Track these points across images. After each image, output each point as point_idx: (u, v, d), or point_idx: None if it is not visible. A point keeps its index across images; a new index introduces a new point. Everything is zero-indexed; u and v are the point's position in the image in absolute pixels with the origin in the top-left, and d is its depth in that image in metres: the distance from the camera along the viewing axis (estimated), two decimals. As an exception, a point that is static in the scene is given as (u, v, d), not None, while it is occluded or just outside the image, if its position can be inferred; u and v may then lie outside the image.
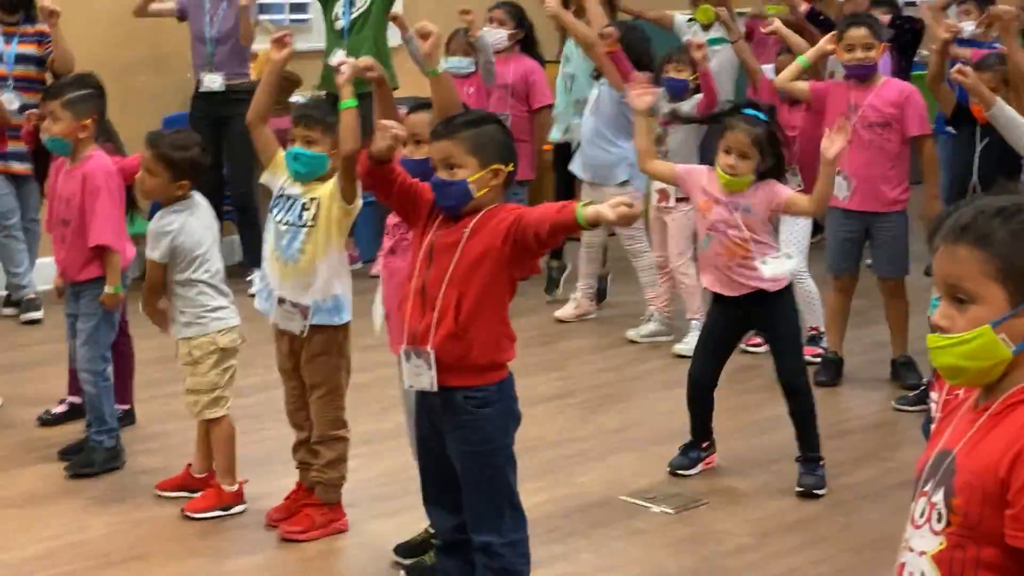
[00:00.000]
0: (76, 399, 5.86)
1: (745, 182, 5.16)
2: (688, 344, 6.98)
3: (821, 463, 5.29)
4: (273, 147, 4.78)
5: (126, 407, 5.84)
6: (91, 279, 5.32)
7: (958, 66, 5.36)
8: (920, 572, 2.25)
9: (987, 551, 2.19)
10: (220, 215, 5.34)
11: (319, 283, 4.68)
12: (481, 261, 3.71)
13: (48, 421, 5.90)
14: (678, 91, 6.98)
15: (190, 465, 5.16)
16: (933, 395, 2.60)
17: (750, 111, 5.25)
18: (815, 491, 5.20)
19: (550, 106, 8.26)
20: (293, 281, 4.68)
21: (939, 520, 2.23)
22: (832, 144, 5.03)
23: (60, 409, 5.91)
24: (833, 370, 6.62)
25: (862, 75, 6.28)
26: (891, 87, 6.36)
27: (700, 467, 5.45)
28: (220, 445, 5.05)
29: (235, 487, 5.03)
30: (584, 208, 3.53)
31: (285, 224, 4.69)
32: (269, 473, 5.26)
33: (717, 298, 5.35)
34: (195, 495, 5.06)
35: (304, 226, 4.66)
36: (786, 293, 5.28)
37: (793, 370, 5.31)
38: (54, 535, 4.83)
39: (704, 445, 5.48)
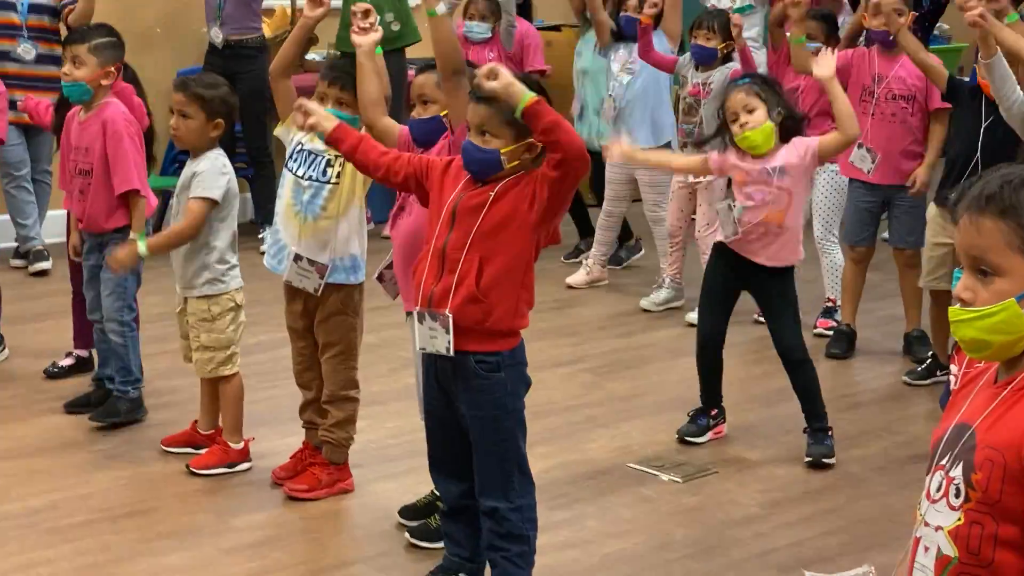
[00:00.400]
0: (83, 352, 5.84)
1: (766, 132, 5.08)
2: (699, 313, 6.94)
3: (829, 433, 5.25)
4: (293, 101, 4.71)
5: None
6: (118, 228, 5.27)
7: (979, 9, 5.25)
8: (936, 547, 2.21)
9: (1006, 528, 2.14)
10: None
11: (338, 241, 4.62)
12: (506, 225, 3.66)
13: (54, 374, 5.88)
14: (707, 59, 6.89)
15: (196, 422, 5.13)
16: (953, 368, 2.55)
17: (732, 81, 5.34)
18: (824, 460, 5.16)
19: (543, 71, 8.19)
20: (311, 238, 4.62)
21: (957, 495, 2.18)
22: (823, 62, 5.03)
23: (67, 362, 5.88)
24: (845, 342, 6.57)
25: (889, 42, 6.19)
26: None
27: (709, 435, 5.41)
28: (230, 402, 5.02)
29: (241, 445, 5.00)
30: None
31: (308, 179, 4.62)
32: (275, 432, 5.23)
33: (719, 252, 5.31)
34: (201, 451, 5.04)
35: (328, 182, 4.60)
36: (786, 272, 5.24)
37: (791, 342, 5.27)
38: (58, 487, 4.81)
39: (713, 413, 5.44)
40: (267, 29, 8.36)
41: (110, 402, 5.40)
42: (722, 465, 5.18)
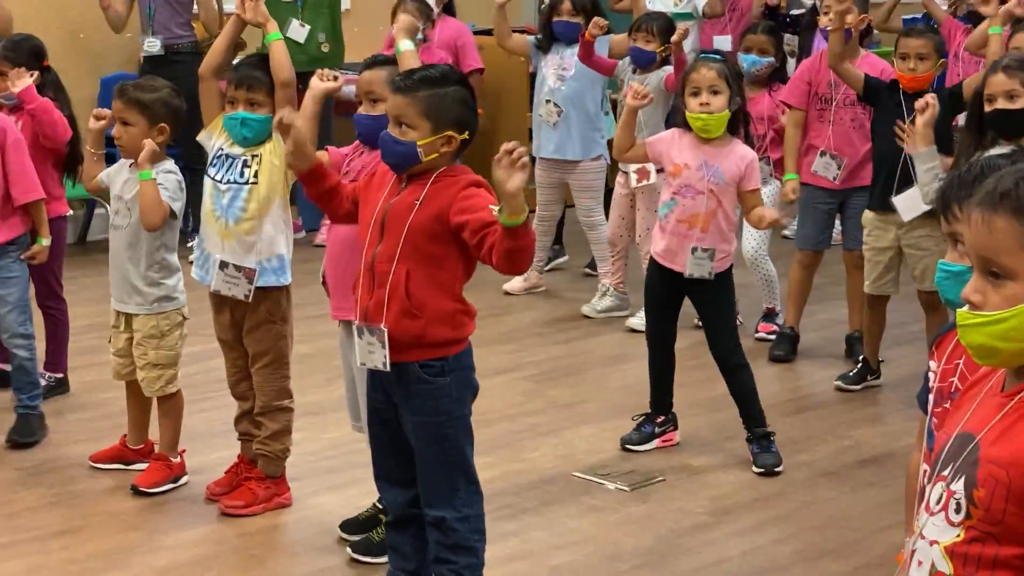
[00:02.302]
0: (5, 366, 5.63)
1: (721, 120, 5.00)
2: (642, 319, 6.85)
3: (772, 438, 5.16)
4: (218, 106, 4.57)
5: (59, 375, 5.64)
6: (12, 239, 5.08)
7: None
8: (931, 562, 2.07)
9: (1008, 549, 2.00)
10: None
11: (263, 242, 4.48)
12: (431, 236, 3.54)
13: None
14: (646, 63, 6.79)
15: (125, 436, 4.96)
16: (932, 364, 2.45)
17: (705, 54, 5.20)
18: (775, 470, 5.07)
19: (481, 70, 8.09)
20: (236, 241, 4.48)
21: (957, 511, 2.05)
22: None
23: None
24: (788, 345, 6.51)
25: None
26: (868, 63, 6.26)
27: (656, 443, 5.29)
28: (173, 418, 4.86)
29: (179, 458, 4.84)
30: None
31: (226, 183, 4.49)
32: (208, 446, 5.08)
33: (654, 263, 5.22)
34: (131, 468, 4.87)
35: (247, 183, 4.47)
36: (726, 273, 5.15)
37: (728, 347, 5.19)
38: (-18, 507, 4.62)
39: (659, 420, 5.33)
40: (198, 32, 8.20)
41: (23, 420, 5.18)
42: (669, 473, 5.07)
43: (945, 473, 2.09)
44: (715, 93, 4.98)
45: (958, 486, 2.05)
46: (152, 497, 4.71)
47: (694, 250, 5.05)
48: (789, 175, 6.37)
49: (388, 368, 3.58)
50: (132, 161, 4.69)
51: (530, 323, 7.07)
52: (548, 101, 7.26)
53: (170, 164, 4.70)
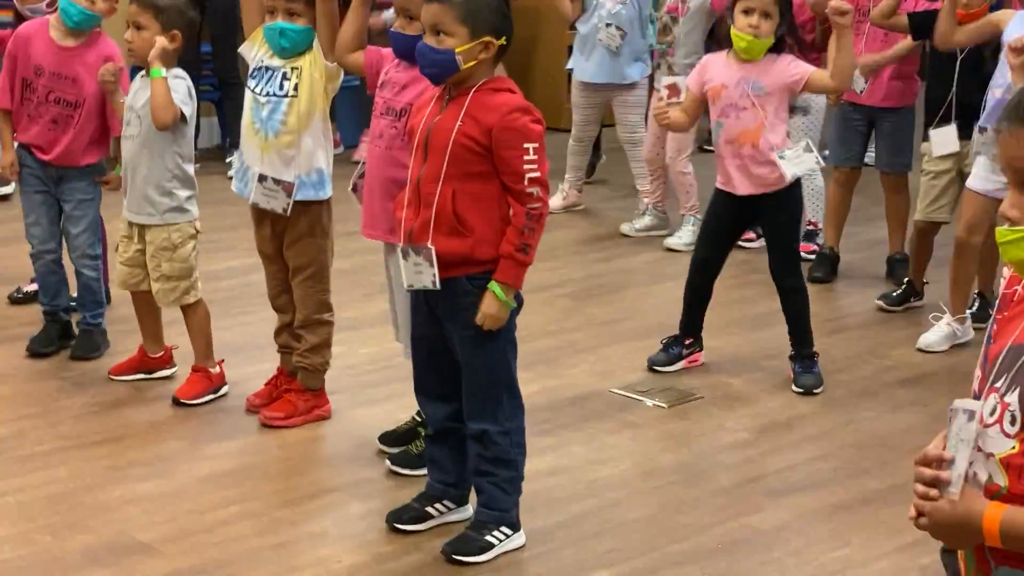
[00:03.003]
0: (32, 286, 5.65)
1: (764, 46, 4.92)
2: (681, 238, 6.85)
3: (816, 359, 5.14)
4: (259, 16, 4.53)
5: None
6: (91, 163, 5.10)
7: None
8: (987, 474, 2.05)
9: None
10: (197, 95, 5.06)
11: (302, 156, 4.46)
12: (474, 155, 3.52)
13: (19, 299, 5.71)
14: None
15: (142, 346, 4.99)
16: (1004, 269, 2.40)
17: None
18: (814, 391, 5.05)
19: None
20: (275, 155, 4.46)
21: (1012, 423, 2.02)
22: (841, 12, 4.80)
23: (31, 287, 5.70)
24: (828, 266, 6.48)
25: None
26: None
27: (682, 364, 5.28)
28: (200, 328, 4.88)
29: (217, 369, 4.87)
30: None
31: (265, 96, 4.45)
32: (248, 359, 5.10)
33: (718, 190, 5.16)
34: (154, 376, 4.94)
35: (286, 96, 4.43)
36: (794, 187, 5.07)
37: (788, 266, 5.15)
38: (26, 415, 4.65)
39: (688, 342, 5.31)
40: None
41: (86, 336, 5.22)
42: (707, 391, 5.07)
43: (998, 385, 2.06)
44: (766, 16, 4.90)
45: (1012, 398, 2.03)
46: (192, 407, 4.74)
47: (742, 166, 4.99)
48: None
49: (438, 287, 3.58)
50: (143, 72, 4.68)
51: (570, 241, 7.05)
52: (609, 25, 7.14)
53: (179, 71, 4.69)
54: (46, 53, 5.00)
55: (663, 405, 4.91)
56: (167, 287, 4.79)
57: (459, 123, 3.52)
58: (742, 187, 5.01)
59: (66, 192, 5.10)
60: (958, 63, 5.65)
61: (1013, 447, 2.02)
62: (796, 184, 5.06)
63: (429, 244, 3.54)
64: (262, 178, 4.47)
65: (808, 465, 4.46)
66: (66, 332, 5.28)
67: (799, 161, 4.97)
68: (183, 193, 4.76)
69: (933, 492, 2.01)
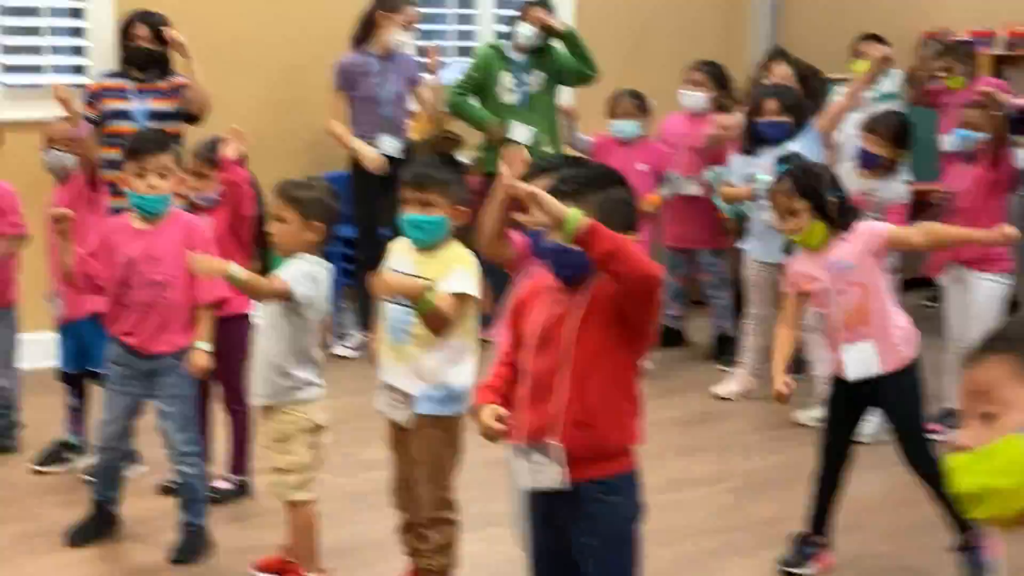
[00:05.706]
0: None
1: (817, 233, 4.67)
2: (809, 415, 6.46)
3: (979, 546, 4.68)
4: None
5: (242, 478, 5.51)
6: (179, 349, 4.84)
7: None
8: None
9: None
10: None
11: (427, 370, 4.24)
12: (600, 338, 3.27)
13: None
14: (872, 165, 6.50)
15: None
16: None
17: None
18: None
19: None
20: (403, 366, 4.26)
21: None
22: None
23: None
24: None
25: None
26: None
27: (816, 567, 4.86)
28: (300, 532, 4.62)
29: (319, 576, 4.61)
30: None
31: (396, 302, 4.25)
32: (384, 556, 4.83)
33: (834, 377, 4.84)
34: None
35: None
36: (910, 368, 4.72)
37: (917, 458, 4.73)
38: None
39: (818, 538, 4.89)
40: (414, 133, 8.13)
41: (188, 538, 4.93)
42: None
43: None
44: (792, 214, 4.68)
45: None
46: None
47: (849, 347, 4.66)
48: None
49: (567, 485, 3.31)
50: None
51: (736, 431, 6.66)
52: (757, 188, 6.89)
53: (311, 259, 4.49)
54: (127, 238, 4.90)
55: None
56: (275, 479, 4.58)
57: (581, 312, 3.31)
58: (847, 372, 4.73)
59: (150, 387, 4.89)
60: None
61: None
62: (912, 364, 4.73)
63: (557, 441, 3.32)
64: (388, 387, 4.30)
65: None
66: (109, 522, 5.07)
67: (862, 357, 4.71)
68: (300, 374, 4.49)
69: None
